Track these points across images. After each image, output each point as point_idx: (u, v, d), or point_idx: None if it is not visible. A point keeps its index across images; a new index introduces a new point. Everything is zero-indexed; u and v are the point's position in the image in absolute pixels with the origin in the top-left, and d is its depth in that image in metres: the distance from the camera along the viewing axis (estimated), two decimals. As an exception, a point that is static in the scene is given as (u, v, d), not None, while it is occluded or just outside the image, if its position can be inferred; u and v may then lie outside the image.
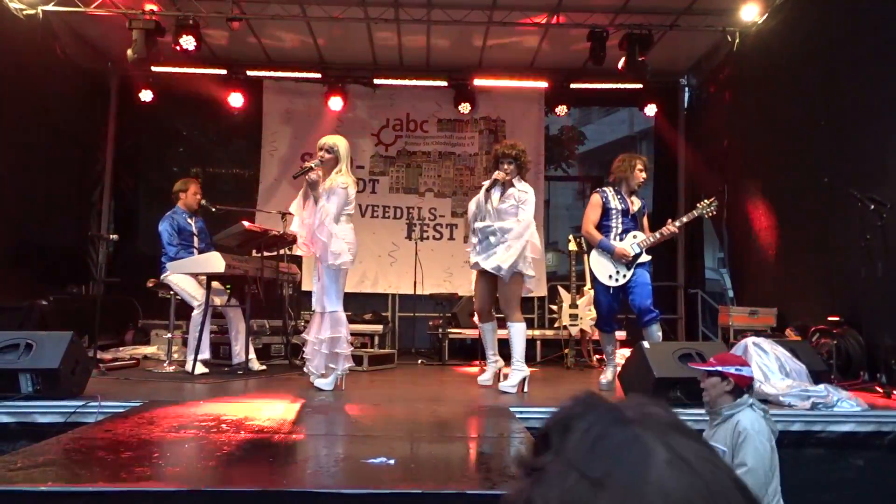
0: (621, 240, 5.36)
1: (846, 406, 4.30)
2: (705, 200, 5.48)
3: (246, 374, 5.84)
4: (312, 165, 4.96)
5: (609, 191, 5.46)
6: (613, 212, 5.38)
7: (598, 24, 7.75)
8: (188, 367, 5.80)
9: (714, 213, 5.54)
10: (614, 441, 0.59)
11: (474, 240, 5.49)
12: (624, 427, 0.60)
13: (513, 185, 5.30)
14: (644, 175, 5.50)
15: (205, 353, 5.93)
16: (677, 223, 5.42)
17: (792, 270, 6.94)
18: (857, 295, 5.72)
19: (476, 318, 5.89)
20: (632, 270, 5.30)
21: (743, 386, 3.13)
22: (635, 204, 5.48)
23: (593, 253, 5.47)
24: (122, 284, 8.10)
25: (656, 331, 5.20)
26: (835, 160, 6.19)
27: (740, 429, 3.00)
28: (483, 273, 5.41)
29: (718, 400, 3.13)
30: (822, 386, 4.46)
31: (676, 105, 9.84)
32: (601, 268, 5.38)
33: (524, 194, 5.27)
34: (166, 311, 6.30)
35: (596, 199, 5.44)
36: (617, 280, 5.32)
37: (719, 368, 3.14)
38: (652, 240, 5.34)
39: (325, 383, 5.03)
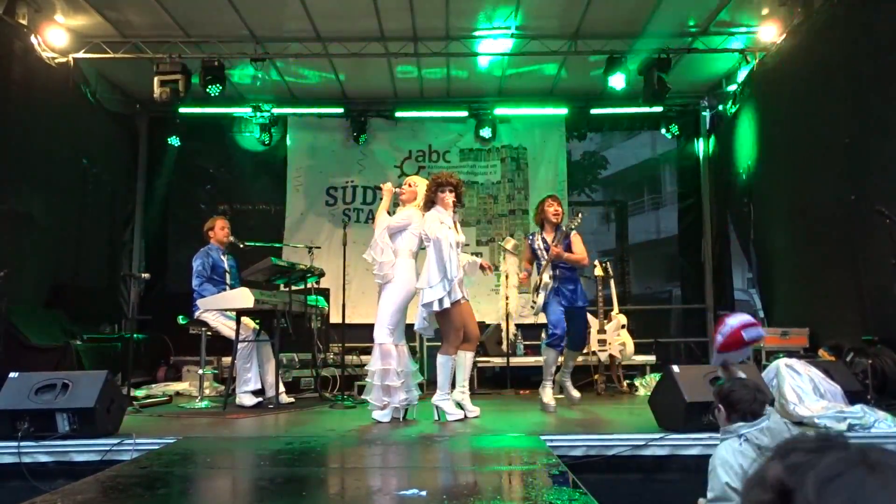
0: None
1: (884, 427, 4.21)
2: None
3: (276, 407, 5.88)
4: (393, 187, 5.47)
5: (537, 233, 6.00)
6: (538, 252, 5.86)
7: (617, 50, 7.80)
8: (237, 400, 6.04)
9: (574, 227, 5.96)
10: (848, 482, 0.64)
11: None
12: (861, 470, 0.65)
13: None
14: (551, 209, 5.95)
15: (255, 385, 6.11)
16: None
17: (822, 290, 6.84)
18: (890, 313, 5.63)
19: None
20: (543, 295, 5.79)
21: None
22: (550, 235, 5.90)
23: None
24: (152, 322, 8.22)
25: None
26: (860, 177, 6.13)
27: (713, 459, 2.88)
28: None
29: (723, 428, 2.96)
30: (858, 407, 4.37)
31: (698, 127, 9.84)
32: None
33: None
34: (197, 348, 6.38)
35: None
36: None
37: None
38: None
39: (382, 415, 5.06)
